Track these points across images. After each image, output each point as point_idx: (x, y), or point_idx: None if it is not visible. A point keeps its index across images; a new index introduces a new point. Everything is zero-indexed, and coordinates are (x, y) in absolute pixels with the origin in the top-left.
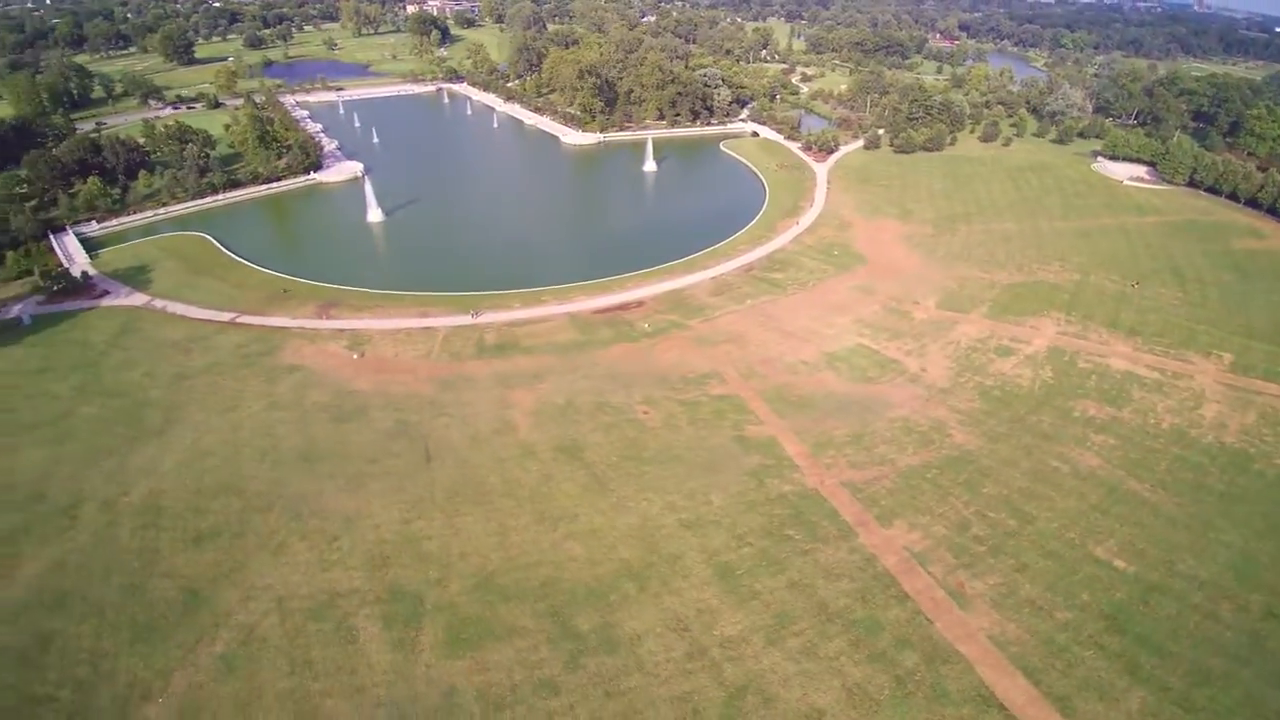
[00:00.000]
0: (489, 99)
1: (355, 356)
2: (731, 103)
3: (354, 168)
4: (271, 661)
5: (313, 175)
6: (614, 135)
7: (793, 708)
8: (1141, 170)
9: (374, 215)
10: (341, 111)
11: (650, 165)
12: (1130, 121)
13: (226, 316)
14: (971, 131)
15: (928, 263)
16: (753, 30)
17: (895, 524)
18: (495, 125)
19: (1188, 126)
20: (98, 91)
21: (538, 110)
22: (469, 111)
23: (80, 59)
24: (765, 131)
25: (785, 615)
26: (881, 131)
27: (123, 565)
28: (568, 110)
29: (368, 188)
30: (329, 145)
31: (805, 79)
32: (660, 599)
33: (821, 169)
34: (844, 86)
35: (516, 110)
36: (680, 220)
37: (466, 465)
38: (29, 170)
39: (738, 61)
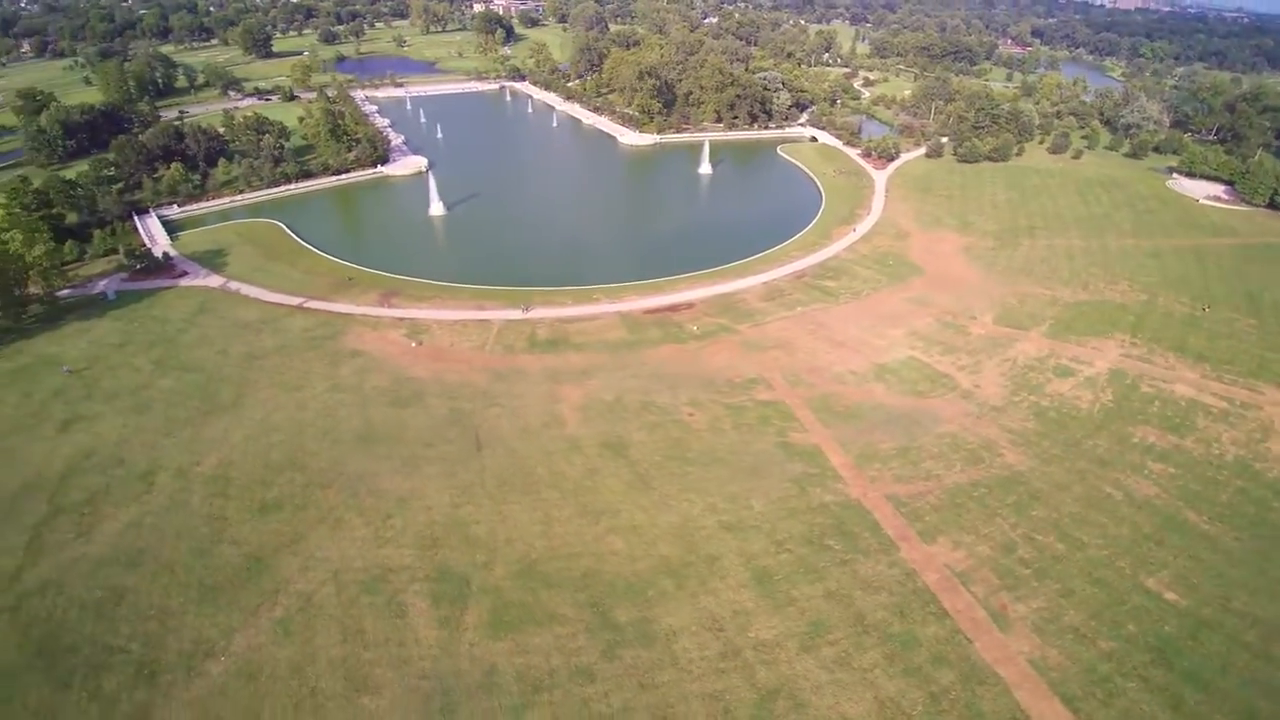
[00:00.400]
0: (549, 98)
1: (414, 345)
2: (790, 107)
3: (419, 162)
4: (326, 629)
5: (380, 168)
6: (671, 137)
7: (824, 715)
8: (1219, 189)
9: (436, 209)
10: (408, 107)
11: (706, 168)
12: (1209, 138)
13: (295, 301)
14: (1040, 142)
15: (987, 276)
16: (816, 33)
17: (938, 541)
18: (554, 124)
19: (1270, 145)
20: (181, 81)
21: (596, 110)
22: (529, 110)
23: (165, 49)
24: (824, 137)
25: (821, 623)
26: (945, 140)
27: (193, 530)
28: (626, 111)
29: (431, 182)
30: (396, 140)
31: (868, 84)
32: (697, 598)
33: (880, 176)
34: (907, 92)
35: (576, 109)
36: (733, 224)
37: (515, 455)
38: (117, 154)
39: (799, 65)
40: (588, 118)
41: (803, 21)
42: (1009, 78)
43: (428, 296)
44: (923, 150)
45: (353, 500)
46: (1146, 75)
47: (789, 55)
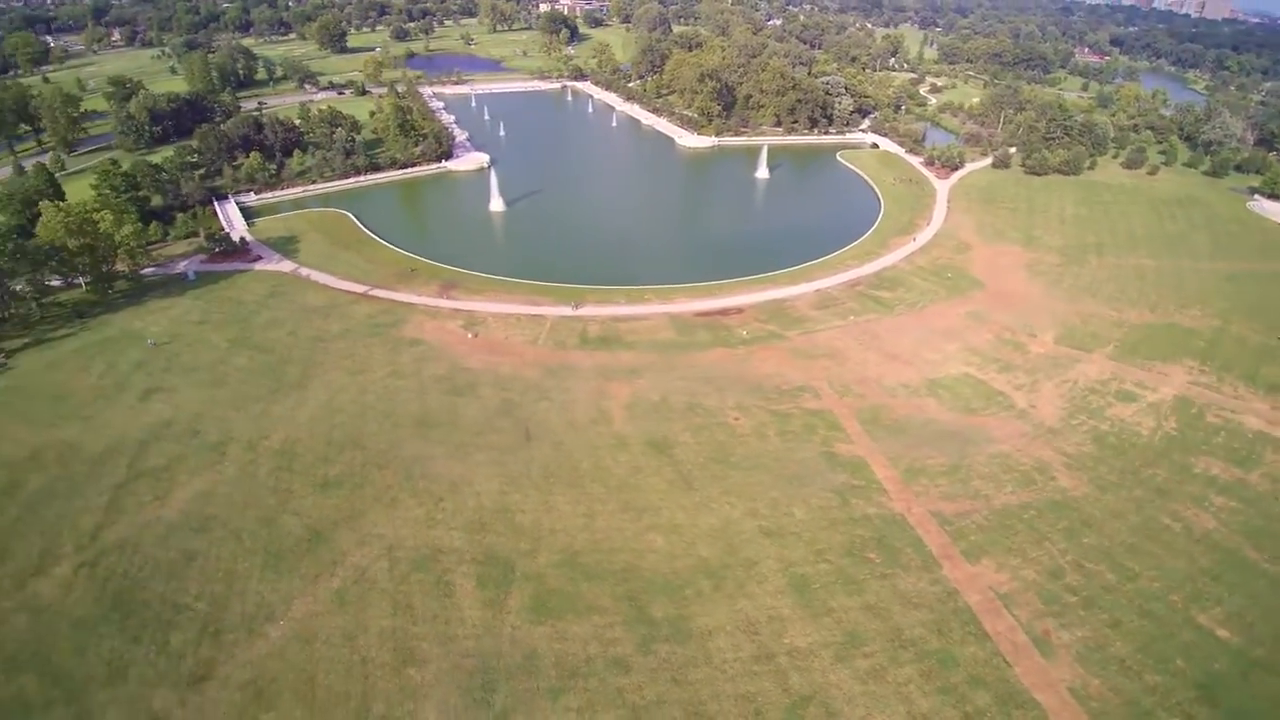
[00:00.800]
0: (610, 98)
1: (470, 336)
2: (852, 112)
3: (481, 159)
4: (378, 602)
5: (444, 164)
6: (729, 140)
7: None
8: None
9: (496, 205)
10: (473, 104)
11: (763, 172)
12: None
13: (361, 289)
14: (1114, 156)
15: (1050, 294)
16: (882, 37)
17: (983, 561)
18: (614, 124)
19: None
20: (260, 73)
21: (655, 111)
22: (590, 110)
23: (247, 42)
24: (886, 143)
25: (857, 635)
26: (1013, 150)
27: (259, 500)
28: (685, 112)
29: (492, 178)
30: (460, 136)
31: (934, 90)
32: (734, 600)
33: (943, 186)
34: (976, 100)
35: (635, 110)
36: (788, 229)
37: (562, 448)
38: (200, 142)
39: (863, 69)
40: (646, 118)
41: (869, 25)
42: (1084, 87)
43: (485, 289)
44: (989, 160)
45: (407, 482)
46: (1231, 89)
47: (853, 59)
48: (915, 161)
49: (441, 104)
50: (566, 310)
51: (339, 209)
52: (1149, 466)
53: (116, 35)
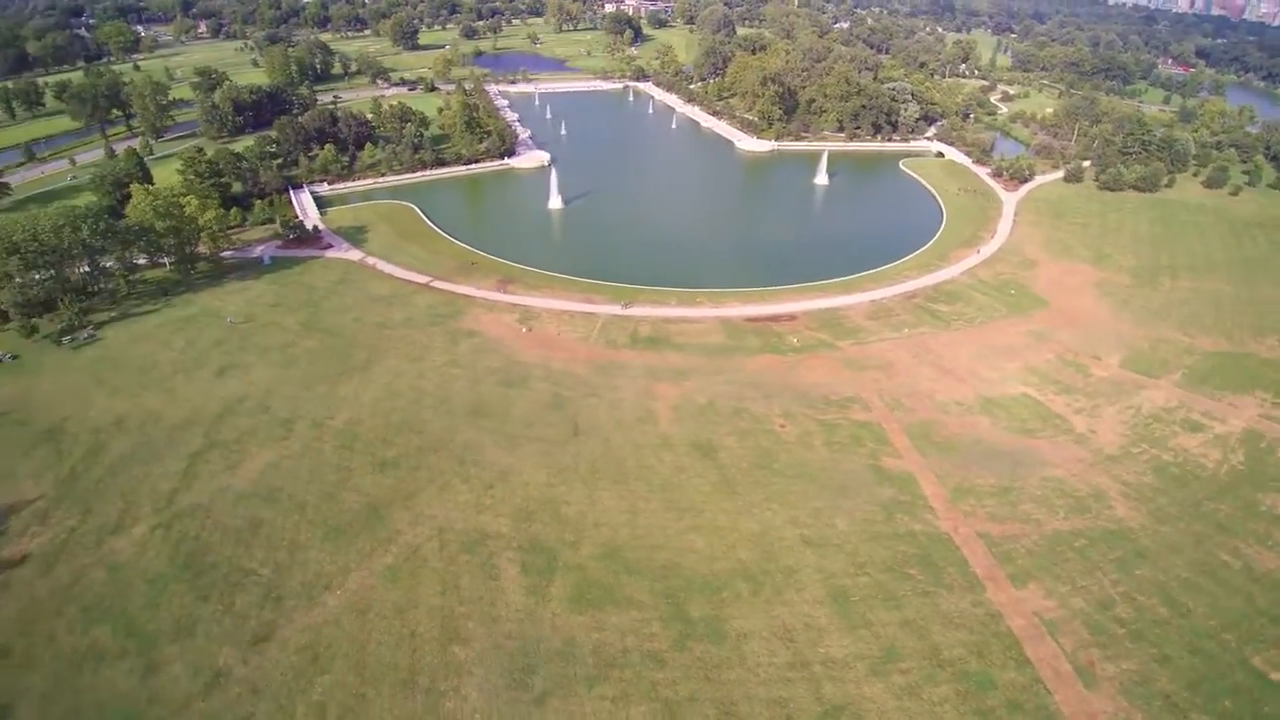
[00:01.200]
0: (671, 99)
1: (524, 330)
2: (918, 119)
3: (542, 157)
4: (428, 580)
5: (506, 161)
6: (789, 144)
7: None
8: None
9: (554, 203)
10: (536, 103)
11: (822, 178)
12: None
13: (423, 280)
14: (1194, 174)
15: (1118, 316)
16: (953, 43)
17: (1029, 586)
18: (674, 125)
19: None
20: (336, 68)
21: (715, 114)
22: (650, 111)
23: (324, 37)
24: (952, 153)
25: (894, 650)
26: (1086, 164)
27: (322, 476)
28: (745, 116)
29: (552, 177)
30: (523, 134)
31: (1006, 99)
32: (771, 606)
33: (1010, 199)
34: (1050, 110)
35: (695, 112)
36: (845, 238)
37: (609, 445)
38: (279, 133)
39: (931, 75)
40: (706, 121)
41: (940, 30)
42: (1166, 101)
43: (540, 285)
44: (1060, 173)
45: (459, 468)
46: None
47: (922, 65)
48: (982, 172)
49: (506, 102)
50: (618, 309)
51: (405, 201)
52: (1212, 500)
53: (203, 27)
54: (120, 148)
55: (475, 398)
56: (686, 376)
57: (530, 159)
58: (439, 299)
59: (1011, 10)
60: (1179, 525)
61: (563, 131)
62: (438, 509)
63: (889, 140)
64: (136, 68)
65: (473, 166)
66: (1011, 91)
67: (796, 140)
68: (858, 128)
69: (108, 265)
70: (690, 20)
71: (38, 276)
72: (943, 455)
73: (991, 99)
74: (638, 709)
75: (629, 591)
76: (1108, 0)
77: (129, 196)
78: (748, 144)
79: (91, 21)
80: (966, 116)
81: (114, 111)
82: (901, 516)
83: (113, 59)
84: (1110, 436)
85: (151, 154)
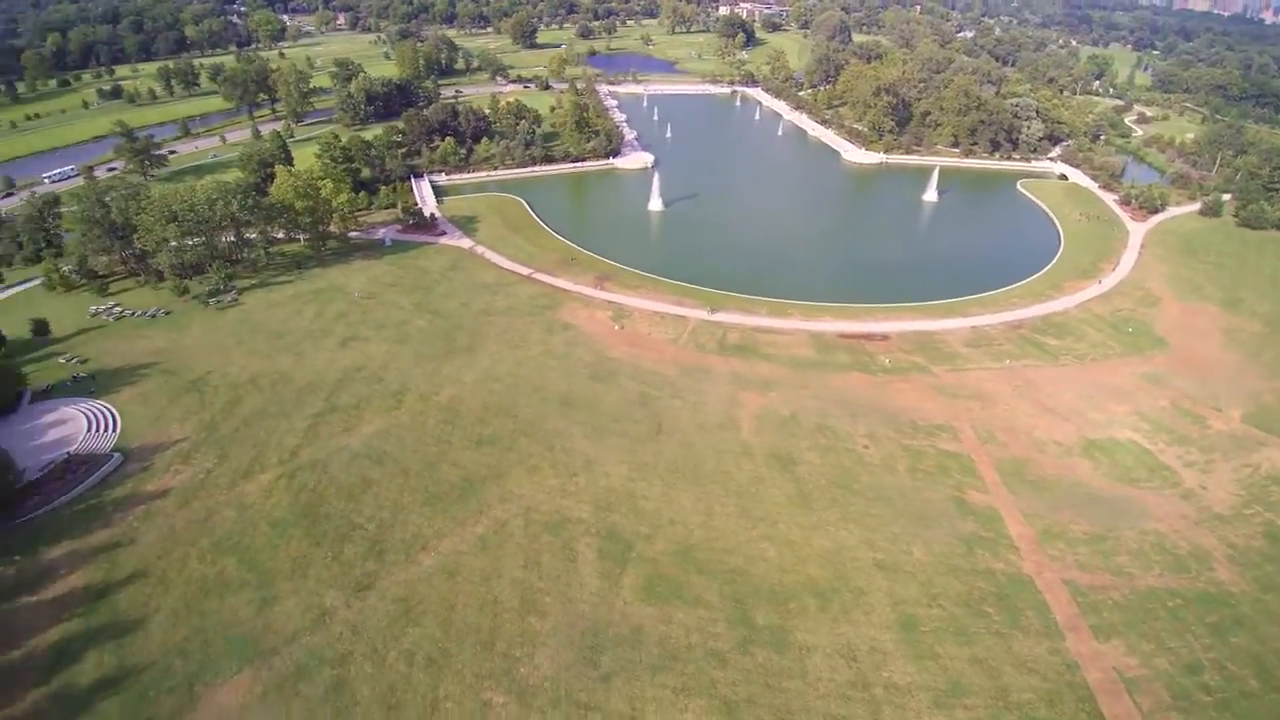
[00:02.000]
0: (778, 105)
1: (616, 328)
2: (1041, 139)
3: (646, 158)
4: (512, 554)
5: (611, 160)
6: (898, 157)
7: None
8: None
9: (655, 204)
10: (644, 104)
11: (931, 195)
12: None
13: (525, 271)
14: None
15: (1247, 365)
16: (1087, 58)
17: (1112, 640)
18: (779, 132)
19: None
20: (459, 64)
21: (823, 122)
22: (757, 116)
23: (449, 33)
24: (1076, 176)
25: (960, 686)
26: (1226, 198)
27: (425, 446)
28: (854, 126)
29: (655, 179)
30: (629, 135)
31: (1142, 120)
32: (837, 624)
33: (1138, 230)
34: (1190, 136)
35: (802, 120)
36: (950, 259)
37: (690, 447)
38: (405, 124)
39: (1060, 92)
40: (813, 129)
41: (1073, 42)
42: None
43: (635, 285)
44: (1196, 206)
45: (548, 453)
46: None
47: (1050, 80)
48: (1109, 199)
49: (615, 102)
50: (708, 314)
51: (514, 195)
52: None
53: (341, 19)
54: (265, 129)
55: (567, 388)
56: (772, 387)
57: (634, 160)
58: (539, 291)
59: (1155, 25)
60: None
61: (668, 134)
62: (526, 489)
63: (1008, 159)
64: (281, 55)
65: (579, 165)
66: (1149, 113)
67: (907, 154)
68: (974, 144)
69: (250, 237)
70: (805, 25)
71: (191, 243)
72: (1034, 495)
73: (1126, 120)
74: (697, 702)
75: (698, 590)
76: (1264, 19)
77: (273, 175)
78: (855, 155)
79: (243, 9)
80: (1096, 138)
81: (260, 95)
82: (982, 553)
83: (260, 45)
84: (1221, 495)
85: (292, 136)
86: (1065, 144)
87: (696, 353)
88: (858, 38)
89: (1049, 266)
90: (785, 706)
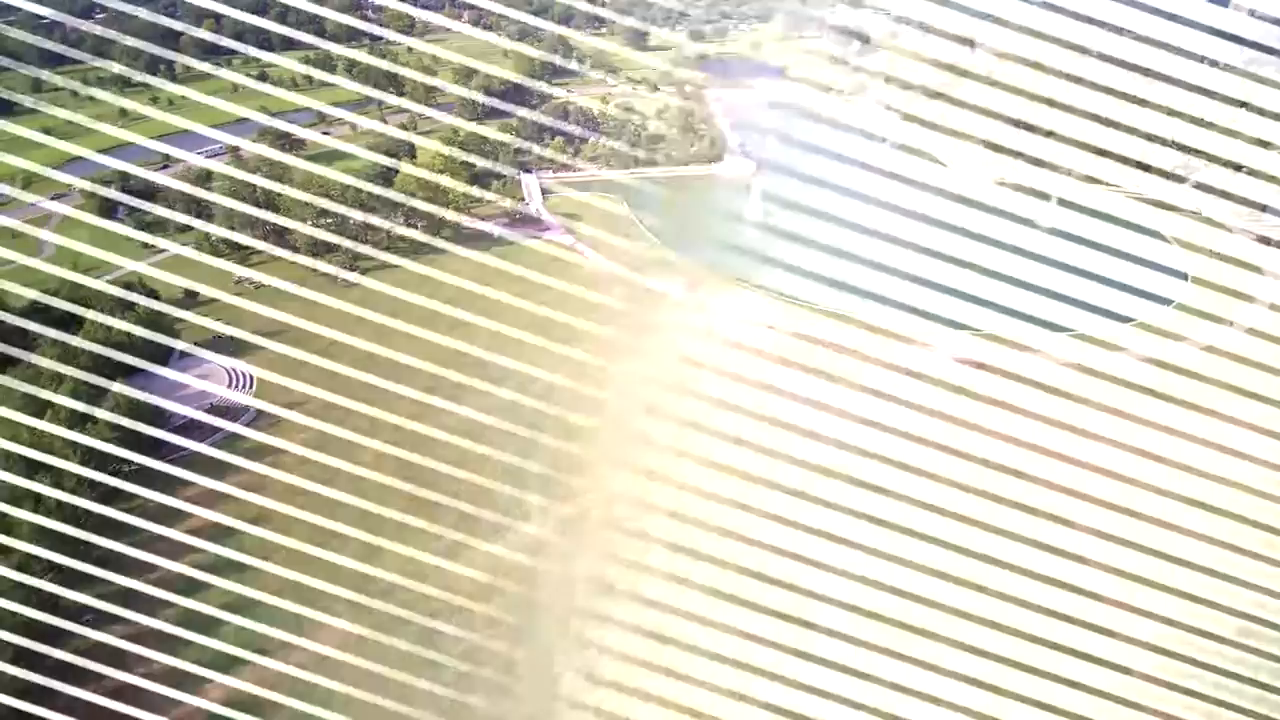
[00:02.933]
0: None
1: (709, 334)
2: None
3: (748, 166)
4: (591, 540)
5: (712, 166)
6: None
7: None
8: None
9: (752, 213)
10: (750, 110)
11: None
12: None
13: (623, 271)
14: None
15: None
16: None
17: None
18: (887, 143)
19: None
20: (572, 64)
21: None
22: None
23: (565, 34)
24: None
25: None
26: None
27: (521, 428)
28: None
29: (755, 187)
30: (732, 141)
31: None
32: None
33: None
34: None
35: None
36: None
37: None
38: (519, 123)
39: None
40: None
41: None
42: None
43: (730, 292)
44: None
45: (635, 450)
46: None
47: None
48: None
49: (721, 107)
50: (800, 326)
51: (617, 196)
52: None
53: (465, 16)
54: (392, 120)
55: (656, 389)
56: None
57: (736, 167)
58: (635, 292)
59: None
60: None
61: (771, 141)
62: (610, 481)
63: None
64: (409, 50)
65: (681, 169)
66: None
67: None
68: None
69: (374, 222)
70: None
71: (325, 222)
72: None
73: None
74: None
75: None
76: None
77: (398, 168)
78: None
79: (376, 3)
80: None
81: (389, 88)
82: None
83: (389, 41)
84: None
85: (416, 129)
86: None
87: (787, 365)
88: None
89: None
90: None
